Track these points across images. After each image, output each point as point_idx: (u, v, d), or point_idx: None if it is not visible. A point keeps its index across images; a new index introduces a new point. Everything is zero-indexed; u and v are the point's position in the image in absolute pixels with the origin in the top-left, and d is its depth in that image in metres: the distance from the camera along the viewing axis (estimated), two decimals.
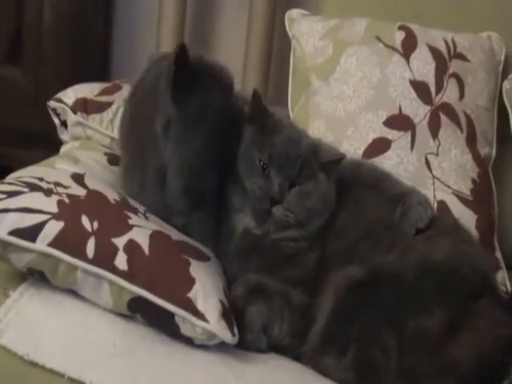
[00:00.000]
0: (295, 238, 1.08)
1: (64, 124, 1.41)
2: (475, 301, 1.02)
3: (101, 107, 1.40)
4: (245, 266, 1.08)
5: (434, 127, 1.42)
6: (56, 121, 1.41)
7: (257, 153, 1.08)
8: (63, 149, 1.40)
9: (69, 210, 0.97)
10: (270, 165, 1.07)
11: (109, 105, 1.40)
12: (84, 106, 1.39)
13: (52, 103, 1.39)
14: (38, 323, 0.93)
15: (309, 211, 1.08)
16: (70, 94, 1.39)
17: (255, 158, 1.08)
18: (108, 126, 1.39)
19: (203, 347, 0.96)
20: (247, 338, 1.00)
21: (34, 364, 0.89)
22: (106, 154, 1.31)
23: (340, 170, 1.14)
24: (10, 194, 0.97)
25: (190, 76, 1.07)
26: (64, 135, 1.42)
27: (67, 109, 1.38)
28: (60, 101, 1.39)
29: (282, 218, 1.06)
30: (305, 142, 1.12)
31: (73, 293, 0.97)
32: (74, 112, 1.38)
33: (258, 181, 1.06)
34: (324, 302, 1.04)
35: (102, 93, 1.42)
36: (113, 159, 1.28)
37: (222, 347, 0.96)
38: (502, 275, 1.36)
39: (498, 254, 1.41)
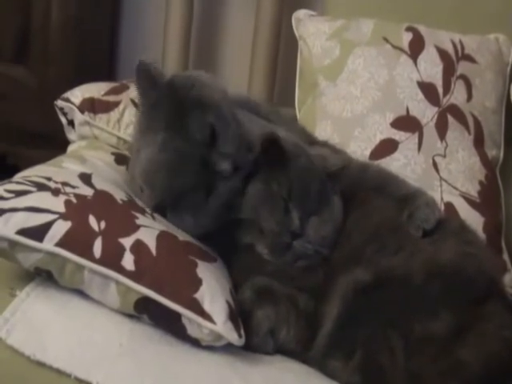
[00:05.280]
0: (310, 267, 1.07)
1: (71, 123, 1.40)
2: (482, 304, 1.01)
3: (108, 107, 1.39)
4: (249, 276, 1.08)
5: (442, 129, 1.42)
6: (63, 120, 1.41)
7: (277, 186, 1.06)
8: (70, 148, 1.40)
9: (76, 210, 0.96)
10: (289, 199, 1.05)
11: (116, 104, 1.40)
12: (91, 106, 1.38)
13: (59, 102, 1.39)
14: (45, 323, 0.93)
15: (325, 239, 1.07)
16: (77, 94, 1.39)
17: (275, 193, 1.06)
18: (115, 125, 1.39)
19: (209, 349, 0.95)
20: (254, 342, 1.00)
21: (40, 364, 0.88)
22: (113, 153, 1.30)
23: (346, 173, 1.14)
24: (18, 194, 0.96)
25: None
26: (71, 135, 1.42)
27: (74, 108, 1.38)
28: (67, 100, 1.38)
29: (301, 250, 1.05)
30: (317, 164, 1.10)
31: (79, 293, 0.97)
32: (81, 111, 1.38)
33: (278, 216, 1.05)
34: (331, 307, 1.03)
35: (109, 92, 1.42)
36: (120, 159, 1.28)
37: (228, 349, 0.95)
38: (509, 277, 1.36)
39: (506, 256, 1.41)
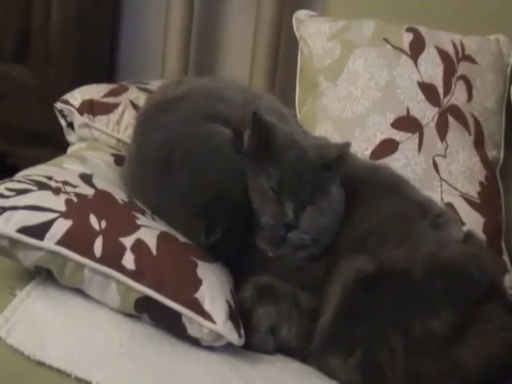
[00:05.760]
0: (310, 257, 1.07)
1: (71, 125, 1.41)
2: (483, 304, 1.01)
3: (107, 109, 1.39)
4: (251, 275, 1.07)
5: (442, 129, 1.42)
6: (62, 122, 1.41)
7: (266, 180, 1.05)
8: (70, 150, 1.40)
9: (77, 209, 0.97)
10: (281, 191, 1.04)
11: (115, 106, 1.40)
12: (90, 108, 1.38)
13: (59, 105, 1.39)
14: (45, 323, 0.93)
15: (323, 229, 1.07)
16: (77, 96, 1.39)
17: (265, 186, 1.05)
18: (114, 127, 1.39)
19: (209, 348, 0.95)
20: (254, 340, 1.00)
21: (40, 364, 0.89)
22: (112, 154, 1.31)
23: (357, 172, 1.14)
24: (19, 192, 0.97)
25: None
26: (71, 137, 1.42)
27: (74, 110, 1.38)
28: (66, 102, 1.39)
29: (298, 241, 1.05)
30: (311, 154, 1.08)
31: (80, 292, 0.97)
32: (81, 113, 1.38)
33: (271, 209, 1.04)
34: (331, 295, 1.03)
35: (109, 94, 1.42)
36: (120, 160, 1.28)
37: (228, 348, 0.95)
38: (509, 278, 1.35)
39: (506, 257, 1.41)
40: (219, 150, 1.05)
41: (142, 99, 1.43)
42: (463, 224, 1.28)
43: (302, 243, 1.05)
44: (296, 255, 1.06)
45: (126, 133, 1.39)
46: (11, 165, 1.93)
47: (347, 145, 1.12)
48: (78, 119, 1.38)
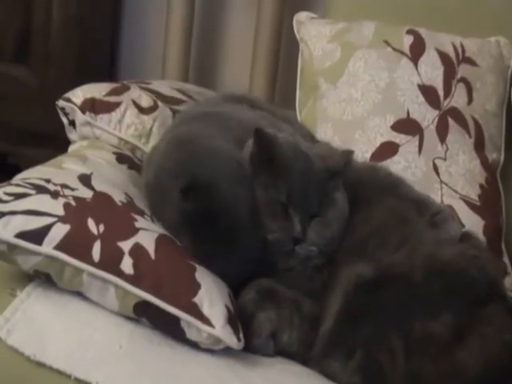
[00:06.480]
0: (317, 267, 1.07)
1: (72, 123, 1.40)
2: (483, 306, 1.01)
3: (109, 107, 1.39)
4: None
5: (442, 132, 1.42)
6: (64, 120, 1.41)
7: (274, 193, 1.05)
8: (71, 148, 1.40)
9: (75, 213, 0.97)
10: (289, 204, 1.05)
11: (117, 105, 1.40)
12: (92, 106, 1.38)
13: (61, 102, 1.39)
14: (45, 324, 0.93)
15: (330, 239, 1.07)
16: (79, 94, 1.39)
17: (273, 199, 1.05)
18: (116, 126, 1.39)
19: (209, 351, 0.95)
20: (254, 344, 1.00)
21: (40, 364, 0.89)
22: (114, 153, 1.30)
23: (356, 175, 1.15)
24: (17, 196, 0.97)
25: None
26: (72, 135, 1.42)
27: (76, 108, 1.38)
28: (69, 100, 1.39)
29: (306, 254, 1.05)
30: (317, 164, 1.09)
31: (80, 294, 0.97)
32: (83, 112, 1.38)
33: (279, 223, 1.05)
34: (332, 302, 1.03)
35: (111, 93, 1.42)
36: (121, 158, 1.28)
37: (227, 351, 0.95)
38: (509, 281, 1.35)
39: (506, 260, 1.41)
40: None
41: (143, 98, 1.43)
42: (463, 226, 1.28)
43: (310, 255, 1.06)
44: (303, 266, 1.06)
45: (127, 132, 1.39)
46: (12, 164, 1.94)
47: (350, 152, 1.14)
48: (79, 117, 1.38)
